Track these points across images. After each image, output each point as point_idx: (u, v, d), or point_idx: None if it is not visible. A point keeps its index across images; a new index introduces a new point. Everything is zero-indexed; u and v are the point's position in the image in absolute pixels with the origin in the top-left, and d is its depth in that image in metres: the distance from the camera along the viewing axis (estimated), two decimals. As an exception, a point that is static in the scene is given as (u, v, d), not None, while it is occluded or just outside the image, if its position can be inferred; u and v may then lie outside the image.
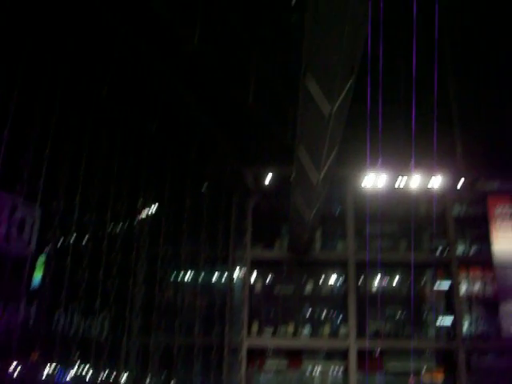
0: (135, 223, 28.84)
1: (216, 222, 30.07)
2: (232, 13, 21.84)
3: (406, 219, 27.62)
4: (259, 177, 29.24)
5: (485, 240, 29.11)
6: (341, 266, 30.17)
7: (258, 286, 30.65)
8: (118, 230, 27.14)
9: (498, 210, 28.68)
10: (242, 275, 30.31)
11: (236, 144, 26.76)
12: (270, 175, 28.86)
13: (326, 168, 15.97)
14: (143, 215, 29.35)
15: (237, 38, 22.20)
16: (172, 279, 31.63)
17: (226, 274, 31.25)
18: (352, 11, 8.83)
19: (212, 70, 19.96)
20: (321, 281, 30.68)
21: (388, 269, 29.33)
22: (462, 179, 28.84)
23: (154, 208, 29.87)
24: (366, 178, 27.07)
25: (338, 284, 30.50)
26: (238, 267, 30.79)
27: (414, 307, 27.49)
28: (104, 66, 19.43)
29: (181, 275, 31.69)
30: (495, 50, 28.33)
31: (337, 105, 12.04)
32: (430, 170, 26.32)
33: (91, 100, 20.17)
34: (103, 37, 18.15)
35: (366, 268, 27.94)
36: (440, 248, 29.43)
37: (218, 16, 21.04)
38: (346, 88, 11.56)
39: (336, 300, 30.30)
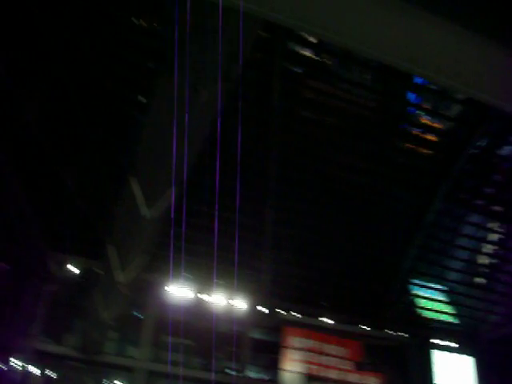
0: None
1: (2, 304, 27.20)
2: (73, 95, 21.35)
3: (202, 336, 27.52)
4: (63, 265, 27.45)
5: (275, 367, 29.82)
6: (130, 373, 28.62)
7: (39, 381, 27.73)
8: None
9: (291, 340, 29.87)
10: (21, 368, 27.33)
11: (46, 226, 25.22)
12: (75, 266, 27.26)
13: (132, 270, 15.71)
14: None
15: (73, 116, 21.55)
16: None
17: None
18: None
19: (40, 142, 19.22)
20: (107, 385, 28.80)
21: (177, 382, 28.59)
22: (262, 306, 29.93)
23: None
24: (169, 287, 27.26)
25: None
26: (18, 358, 27.73)
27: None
28: None
29: None
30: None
31: (154, 210, 12.25)
32: (232, 291, 27.08)
33: None
34: None
35: (155, 378, 27.05)
36: (232, 370, 29.54)
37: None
38: (166, 197, 11.79)
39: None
